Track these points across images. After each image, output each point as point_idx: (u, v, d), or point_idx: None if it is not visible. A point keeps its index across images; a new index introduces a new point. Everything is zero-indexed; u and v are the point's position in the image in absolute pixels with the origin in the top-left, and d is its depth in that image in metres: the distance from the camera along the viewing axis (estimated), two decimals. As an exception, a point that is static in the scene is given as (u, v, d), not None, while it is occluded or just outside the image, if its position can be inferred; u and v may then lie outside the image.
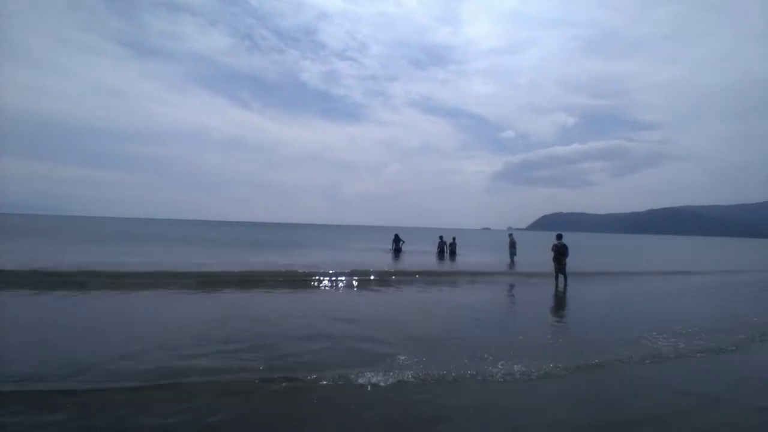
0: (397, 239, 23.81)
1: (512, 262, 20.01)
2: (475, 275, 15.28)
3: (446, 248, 22.90)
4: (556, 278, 13.86)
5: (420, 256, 21.85)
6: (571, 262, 14.20)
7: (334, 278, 13.13)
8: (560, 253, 13.92)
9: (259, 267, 14.69)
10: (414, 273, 14.99)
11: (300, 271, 13.97)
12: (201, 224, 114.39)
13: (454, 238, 23.54)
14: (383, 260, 19.59)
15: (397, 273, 15.01)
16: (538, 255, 21.80)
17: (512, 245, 20.57)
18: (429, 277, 14.77)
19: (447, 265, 19.18)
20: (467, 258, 22.24)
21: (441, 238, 23.85)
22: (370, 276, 13.81)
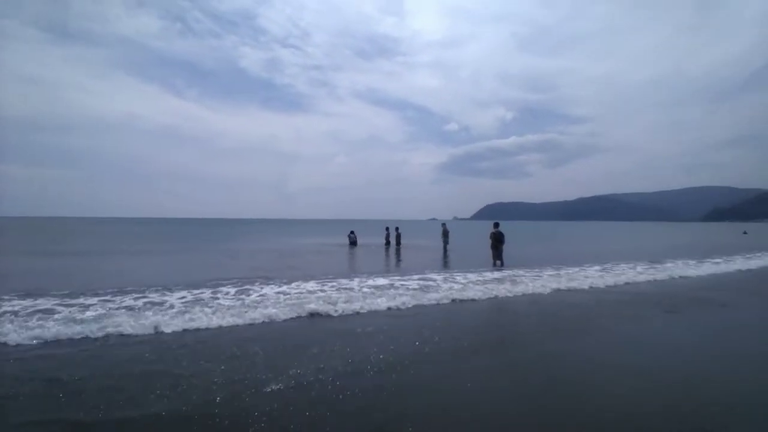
0: (352, 236, 24.89)
1: (445, 249, 20.58)
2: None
3: (392, 238, 23.64)
4: (494, 263, 14.45)
5: (375, 249, 22.41)
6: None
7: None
8: (497, 240, 14.53)
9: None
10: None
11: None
12: (130, 222, 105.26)
13: (397, 228, 24.27)
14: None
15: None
16: (477, 243, 22.83)
17: (445, 234, 21.18)
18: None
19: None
20: (410, 244, 24.56)
21: (387, 229, 24.64)
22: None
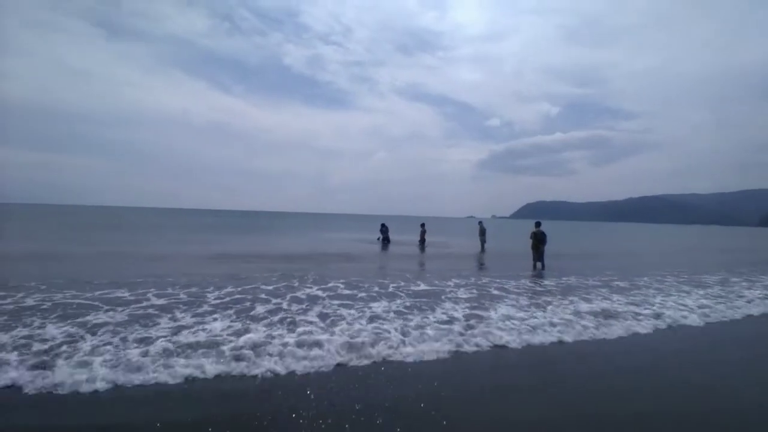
0: (384, 229, 23.03)
1: (482, 249, 19.86)
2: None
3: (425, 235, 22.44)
4: (534, 266, 13.44)
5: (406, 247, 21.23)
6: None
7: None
8: (539, 240, 13.49)
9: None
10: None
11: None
12: (181, 213, 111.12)
13: (423, 225, 23.04)
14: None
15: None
16: (516, 242, 21.41)
17: (482, 233, 20.41)
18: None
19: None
20: (438, 242, 23.37)
21: (422, 225, 23.23)
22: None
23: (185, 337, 5.13)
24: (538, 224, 13.88)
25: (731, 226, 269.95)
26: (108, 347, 4.69)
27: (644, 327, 6.60)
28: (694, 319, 7.24)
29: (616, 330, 6.35)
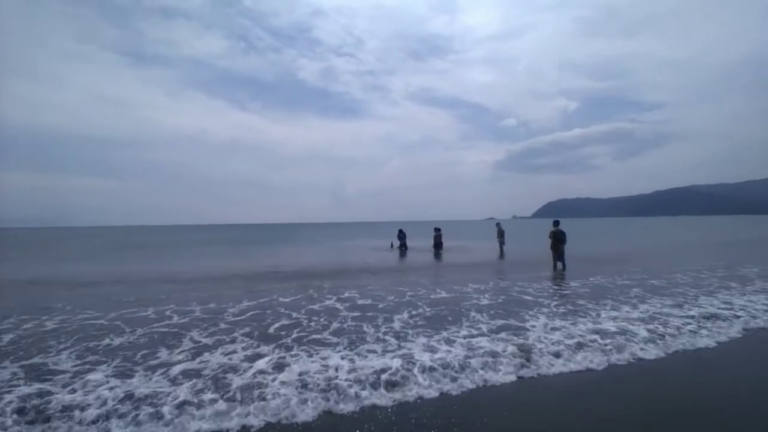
0: (402, 235, 22.81)
1: (501, 251, 19.36)
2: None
3: (441, 239, 22.14)
4: (555, 266, 13.11)
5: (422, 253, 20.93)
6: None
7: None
8: (558, 240, 13.14)
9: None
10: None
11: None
12: (205, 229, 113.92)
13: (438, 229, 22.79)
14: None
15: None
16: (537, 242, 20.77)
17: (500, 234, 19.89)
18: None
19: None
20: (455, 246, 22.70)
21: (437, 230, 22.99)
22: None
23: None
24: (556, 223, 13.55)
25: (764, 215, 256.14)
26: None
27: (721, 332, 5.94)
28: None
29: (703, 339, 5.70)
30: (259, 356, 5.14)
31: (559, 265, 13.05)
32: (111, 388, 4.20)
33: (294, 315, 7.31)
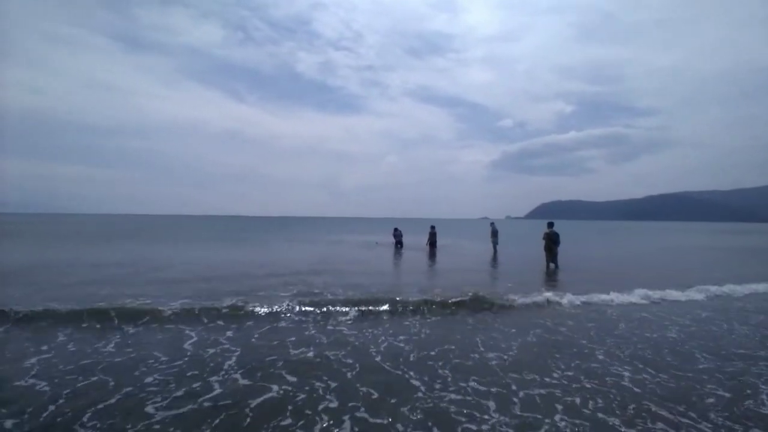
0: (397, 233, 22.82)
1: (495, 251, 19.30)
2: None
3: (436, 237, 22.15)
4: (548, 267, 13.20)
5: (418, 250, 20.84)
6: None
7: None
8: (552, 241, 13.24)
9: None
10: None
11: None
12: (199, 219, 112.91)
13: (432, 227, 22.87)
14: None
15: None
16: (530, 243, 20.75)
17: (494, 234, 19.94)
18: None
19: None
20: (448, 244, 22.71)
21: (432, 227, 23.04)
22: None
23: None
24: (550, 225, 13.64)
25: (754, 223, 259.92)
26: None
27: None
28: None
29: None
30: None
31: (552, 265, 13.17)
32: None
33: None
